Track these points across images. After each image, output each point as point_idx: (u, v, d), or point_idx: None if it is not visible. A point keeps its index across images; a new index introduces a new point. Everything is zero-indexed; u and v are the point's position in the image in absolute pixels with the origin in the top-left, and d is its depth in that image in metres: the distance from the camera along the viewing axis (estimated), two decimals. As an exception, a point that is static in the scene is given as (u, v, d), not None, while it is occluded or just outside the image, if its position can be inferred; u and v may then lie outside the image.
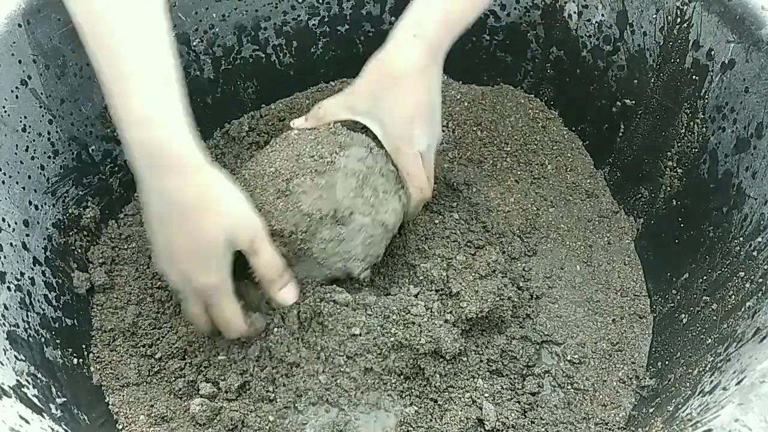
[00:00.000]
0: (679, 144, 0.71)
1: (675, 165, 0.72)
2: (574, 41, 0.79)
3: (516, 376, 0.68)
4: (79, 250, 0.71)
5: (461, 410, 0.64)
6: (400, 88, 0.65)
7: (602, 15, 0.76)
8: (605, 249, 0.77)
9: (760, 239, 0.61)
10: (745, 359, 0.53)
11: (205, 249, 0.57)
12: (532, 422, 0.65)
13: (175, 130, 0.54)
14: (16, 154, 0.65)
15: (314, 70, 0.87)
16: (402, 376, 0.66)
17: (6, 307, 0.60)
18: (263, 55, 0.84)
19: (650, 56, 0.72)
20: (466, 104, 0.86)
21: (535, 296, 0.73)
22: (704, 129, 0.68)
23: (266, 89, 0.86)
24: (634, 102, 0.76)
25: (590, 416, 0.66)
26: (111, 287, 0.72)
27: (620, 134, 0.79)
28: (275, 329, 0.66)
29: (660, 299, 0.73)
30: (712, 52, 0.65)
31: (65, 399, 0.61)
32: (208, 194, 0.56)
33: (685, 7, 0.67)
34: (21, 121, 0.65)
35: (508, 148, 0.83)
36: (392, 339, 0.66)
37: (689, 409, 0.55)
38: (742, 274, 0.61)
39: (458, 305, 0.67)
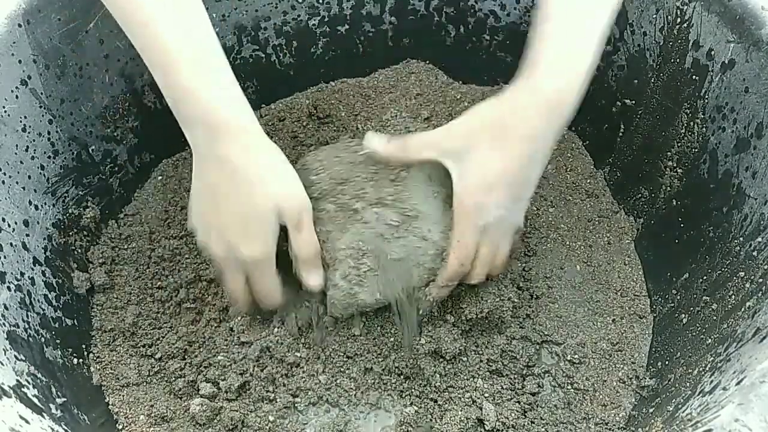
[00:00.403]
0: (679, 144, 0.71)
1: (675, 165, 0.72)
2: (574, 41, 0.79)
3: (516, 376, 0.68)
4: (79, 250, 0.72)
5: (461, 410, 0.64)
6: (501, 145, 0.56)
7: (602, 15, 0.75)
8: (605, 249, 0.77)
9: (760, 239, 0.61)
10: (745, 359, 0.53)
11: (255, 219, 0.57)
12: (532, 422, 0.65)
13: (224, 98, 0.55)
14: (16, 154, 0.65)
15: (314, 70, 0.87)
16: (402, 376, 0.66)
17: (6, 307, 0.60)
18: (263, 55, 0.84)
19: (650, 56, 0.72)
20: (466, 104, 0.86)
21: (535, 296, 0.73)
22: (704, 129, 0.68)
23: (266, 89, 0.86)
24: (634, 102, 0.76)
25: (590, 416, 0.66)
26: (111, 287, 0.72)
27: (620, 134, 0.79)
28: (275, 329, 0.67)
29: (660, 299, 0.73)
30: (712, 52, 0.65)
31: (65, 399, 0.61)
32: (262, 164, 0.57)
33: (685, 7, 0.67)
34: (21, 121, 0.65)
35: (508, 148, 0.83)
36: (392, 339, 0.66)
37: (689, 409, 0.55)
38: (742, 274, 0.61)
39: (458, 305, 0.67)
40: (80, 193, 0.72)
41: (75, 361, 0.66)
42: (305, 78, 0.87)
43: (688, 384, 0.60)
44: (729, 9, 0.63)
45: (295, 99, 0.87)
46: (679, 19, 0.68)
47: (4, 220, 0.63)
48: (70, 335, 0.67)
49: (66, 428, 0.57)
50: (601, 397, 0.68)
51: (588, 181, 0.82)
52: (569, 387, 0.68)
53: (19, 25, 0.63)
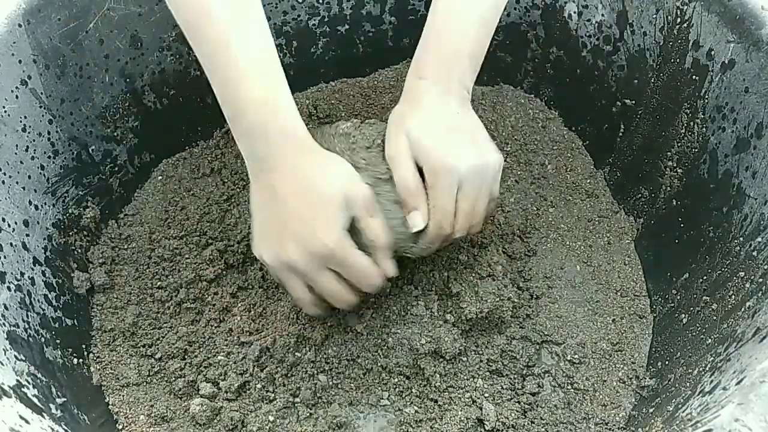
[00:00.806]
0: (679, 144, 0.71)
1: (675, 165, 0.72)
2: (574, 41, 0.79)
3: (516, 376, 0.68)
4: (79, 250, 0.71)
5: (461, 410, 0.64)
6: (423, 111, 0.61)
7: (602, 15, 0.76)
8: (605, 249, 0.77)
9: (760, 239, 0.61)
10: (745, 359, 0.53)
11: (323, 210, 0.57)
12: (532, 422, 0.65)
13: (283, 109, 0.58)
14: (16, 154, 0.65)
15: (314, 70, 0.87)
16: (402, 376, 0.66)
17: (6, 307, 0.60)
18: (263, 55, 0.84)
19: (650, 56, 0.72)
20: (466, 104, 0.86)
21: (535, 296, 0.73)
22: (704, 129, 0.68)
23: (266, 89, 0.86)
24: (634, 102, 0.76)
25: (590, 416, 0.66)
26: (111, 287, 0.72)
27: (620, 134, 0.79)
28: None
29: (660, 299, 0.73)
30: (712, 52, 0.65)
31: (65, 399, 0.61)
32: (320, 163, 0.59)
33: (685, 7, 0.67)
34: (21, 121, 0.65)
35: (508, 148, 0.83)
36: (392, 339, 0.66)
37: (689, 409, 0.55)
38: (742, 274, 0.61)
39: (458, 305, 0.67)
40: (80, 193, 0.72)
41: (75, 361, 0.66)
42: (305, 78, 0.87)
43: (688, 384, 0.60)
44: (729, 9, 0.63)
45: (295, 99, 0.86)
46: (679, 19, 0.68)
47: (4, 220, 0.63)
48: (70, 335, 0.67)
49: (66, 428, 0.57)
50: (601, 397, 0.68)
51: (588, 181, 0.82)
52: (569, 387, 0.68)
53: (19, 25, 0.63)
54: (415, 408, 0.65)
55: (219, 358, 0.67)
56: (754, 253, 0.61)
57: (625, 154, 0.79)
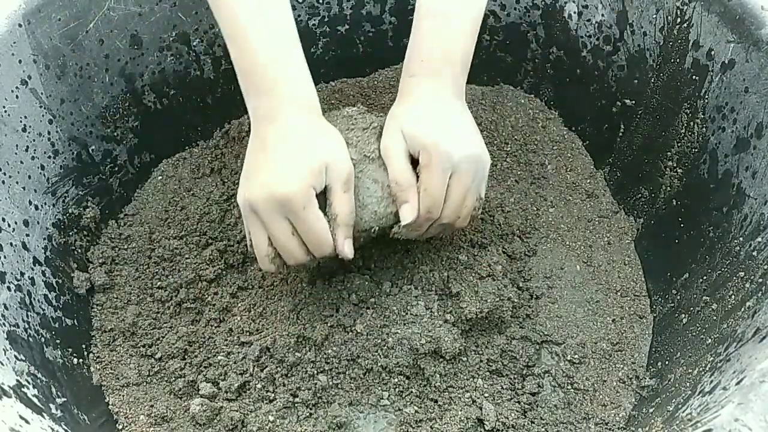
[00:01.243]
0: (679, 144, 0.71)
1: (675, 165, 0.72)
2: (574, 41, 0.79)
3: (516, 376, 0.68)
4: (79, 250, 0.72)
5: (461, 410, 0.64)
6: (418, 106, 0.63)
7: (602, 15, 0.76)
8: (605, 249, 0.77)
9: (760, 239, 0.61)
10: (745, 359, 0.53)
11: (299, 164, 0.58)
12: (532, 422, 0.65)
13: (297, 73, 0.61)
14: (16, 154, 0.65)
15: (314, 70, 0.86)
16: (402, 376, 0.66)
17: (6, 307, 0.60)
18: (263, 55, 0.84)
19: (650, 56, 0.72)
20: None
21: (535, 296, 0.73)
22: (704, 129, 0.68)
23: (266, 89, 0.86)
24: (634, 102, 0.76)
25: (590, 416, 0.66)
26: (111, 287, 0.72)
27: (620, 134, 0.79)
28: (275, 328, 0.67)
29: (660, 299, 0.73)
30: (712, 52, 0.65)
31: (65, 399, 0.61)
32: (315, 127, 0.61)
33: (685, 7, 0.67)
34: (21, 121, 0.65)
35: (508, 148, 0.83)
36: (392, 339, 0.66)
37: (689, 409, 0.55)
38: (742, 274, 0.61)
39: (458, 305, 0.67)
40: (80, 193, 0.72)
41: (75, 361, 0.66)
42: (305, 78, 0.87)
43: (688, 384, 0.60)
44: (729, 9, 0.63)
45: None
46: (679, 19, 0.68)
47: (4, 220, 0.63)
48: (70, 335, 0.67)
49: (66, 428, 0.57)
50: (601, 397, 0.68)
51: (588, 181, 0.82)
52: (569, 387, 0.68)
53: (19, 25, 0.63)
54: (415, 408, 0.65)
55: (219, 358, 0.67)
56: (754, 253, 0.61)
57: (625, 154, 0.79)
